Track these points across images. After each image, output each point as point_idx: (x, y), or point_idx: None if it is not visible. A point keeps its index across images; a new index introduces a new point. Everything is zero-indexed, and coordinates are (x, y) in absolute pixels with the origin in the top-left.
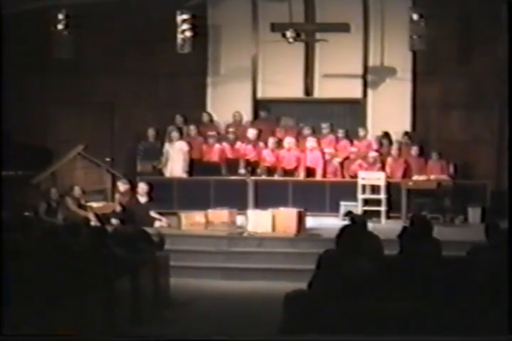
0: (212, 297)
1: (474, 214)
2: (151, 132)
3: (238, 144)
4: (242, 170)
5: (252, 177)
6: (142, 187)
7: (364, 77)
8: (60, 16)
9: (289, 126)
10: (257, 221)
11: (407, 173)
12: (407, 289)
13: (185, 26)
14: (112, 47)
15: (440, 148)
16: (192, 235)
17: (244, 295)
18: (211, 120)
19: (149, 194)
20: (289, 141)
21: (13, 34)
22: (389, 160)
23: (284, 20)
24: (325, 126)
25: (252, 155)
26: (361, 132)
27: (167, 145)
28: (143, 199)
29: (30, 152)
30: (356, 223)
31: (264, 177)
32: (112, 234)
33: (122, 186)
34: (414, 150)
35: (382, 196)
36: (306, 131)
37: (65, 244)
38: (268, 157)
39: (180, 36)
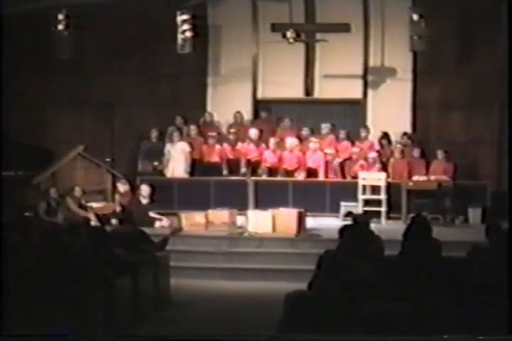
0: (213, 297)
1: (475, 214)
2: (153, 132)
3: (239, 145)
4: (244, 169)
5: (252, 178)
6: (144, 189)
7: (364, 77)
8: (60, 17)
9: (288, 126)
10: (258, 221)
11: (409, 174)
12: (407, 289)
13: (185, 26)
14: (112, 47)
15: (444, 148)
16: (192, 235)
17: (245, 295)
18: (212, 120)
19: (151, 196)
20: (291, 142)
21: (13, 34)
22: (391, 161)
23: (285, 20)
24: (324, 127)
25: (253, 155)
26: (363, 133)
27: (168, 146)
28: (144, 200)
29: (30, 152)
30: (359, 223)
31: (264, 177)
32: (112, 235)
33: (122, 187)
34: (416, 151)
35: (383, 196)
36: (305, 131)
37: (65, 244)
38: (269, 158)
39: (180, 36)
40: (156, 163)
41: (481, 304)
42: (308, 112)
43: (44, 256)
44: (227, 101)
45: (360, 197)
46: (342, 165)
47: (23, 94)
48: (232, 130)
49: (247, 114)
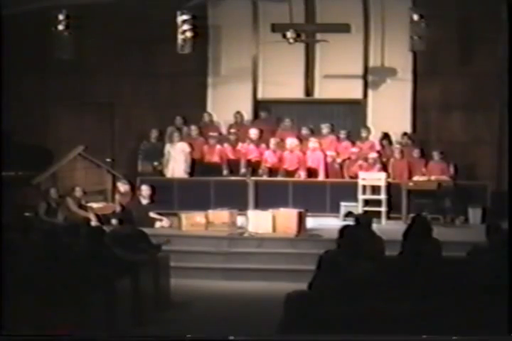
0: (213, 297)
1: (475, 214)
2: (153, 133)
3: (240, 145)
4: (244, 170)
5: (253, 178)
6: (144, 189)
7: (364, 77)
8: (61, 17)
9: (288, 126)
10: (258, 221)
11: (409, 174)
12: (407, 289)
13: (185, 27)
14: (112, 48)
15: (440, 148)
16: (192, 236)
17: (245, 295)
18: (211, 120)
19: (151, 196)
20: (291, 142)
21: (13, 34)
22: (391, 161)
23: (285, 20)
24: (324, 127)
25: (253, 155)
26: (363, 133)
27: (168, 146)
28: (145, 201)
29: (30, 152)
30: (360, 223)
31: (265, 177)
32: (111, 235)
33: (122, 186)
34: (416, 151)
35: (383, 197)
36: (305, 131)
37: (65, 245)
38: (269, 158)
39: (180, 37)
40: (155, 163)
41: (481, 304)
42: (309, 112)
43: (44, 257)
44: (227, 102)
45: (360, 197)
46: (342, 165)
47: (24, 94)
48: (232, 130)
49: (247, 115)
